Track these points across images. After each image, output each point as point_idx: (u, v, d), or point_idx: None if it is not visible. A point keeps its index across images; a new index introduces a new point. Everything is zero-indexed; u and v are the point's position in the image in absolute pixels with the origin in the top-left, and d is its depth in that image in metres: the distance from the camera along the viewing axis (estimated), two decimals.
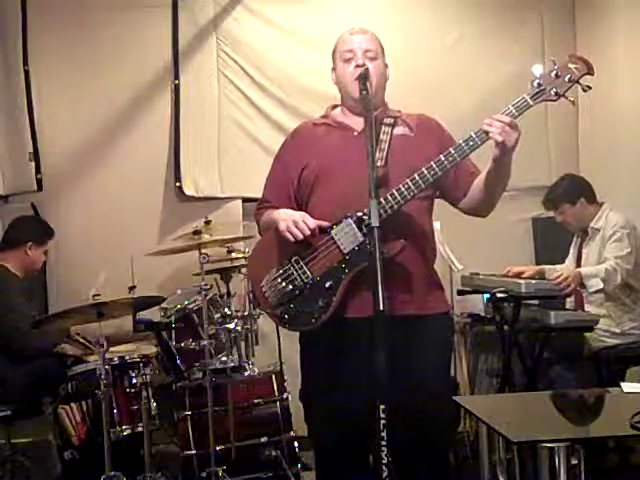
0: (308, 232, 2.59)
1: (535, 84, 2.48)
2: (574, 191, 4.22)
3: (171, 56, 4.81)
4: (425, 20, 5.08)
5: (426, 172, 2.53)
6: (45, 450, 3.85)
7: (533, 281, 3.87)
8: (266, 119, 4.91)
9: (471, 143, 2.51)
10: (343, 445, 2.71)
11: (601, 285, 3.91)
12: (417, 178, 2.53)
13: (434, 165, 2.53)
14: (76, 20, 4.71)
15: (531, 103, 2.47)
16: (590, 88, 2.47)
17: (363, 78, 2.60)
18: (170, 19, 4.78)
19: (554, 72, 2.47)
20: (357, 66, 2.68)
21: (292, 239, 2.61)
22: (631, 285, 4.06)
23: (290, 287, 2.65)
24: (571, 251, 4.39)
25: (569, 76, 2.46)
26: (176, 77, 4.80)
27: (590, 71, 2.46)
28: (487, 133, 2.48)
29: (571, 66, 2.46)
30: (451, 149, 2.52)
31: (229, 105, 4.89)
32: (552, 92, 2.47)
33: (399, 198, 2.54)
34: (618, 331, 4.04)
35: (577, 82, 2.47)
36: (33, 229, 4.18)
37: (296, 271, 2.65)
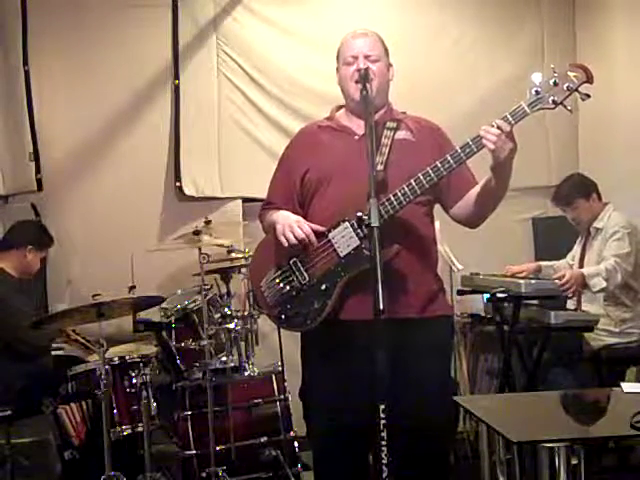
0: (302, 237, 2.61)
1: (533, 92, 2.45)
2: (586, 186, 4.23)
3: (171, 56, 4.81)
4: (425, 21, 5.08)
5: (422, 178, 2.53)
6: (45, 450, 3.85)
7: (533, 281, 3.88)
8: (266, 119, 4.91)
9: (467, 150, 2.50)
10: (341, 444, 2.71)
11: (604, 284, 3.90)
12: (413, 183, 2.53)
13: (430, 171, 2.52)
14: (76, 20, 4.71)
15: (528, 111, 2.45)
16: (589, 96, 2.44)
17: (363, 79, 2.61)
18: (170, 19, 4.79)
19: (552, 80, 2.44)
20: (357, 70, 2.68)
21: (286, 243, 2.63)
22: (630, 285, 4.06)
23: (287, 288, 2.68)
24: (575, 249, 4.38)
25: (567, 84, 2.43)
26: (176, 77, 4.81)
27: (589, 79, 2.43)
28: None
29: (570, 74, 2.44)
30: (447, 156, 2.52)
31: (229, 105, 4.89)
32: (550, 100, 2.44)
33: (395, 203, 2.54)
34: (617, 330, 4.04)
35: (576, 90, 2.44)
36: (36, 234, 4.17)
37: (294, 273, 2.68)
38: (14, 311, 3.88)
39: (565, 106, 2.46)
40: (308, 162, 2.77)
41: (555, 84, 2.44)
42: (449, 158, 2.51)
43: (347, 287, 2.61)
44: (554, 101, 2.44)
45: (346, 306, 2.62)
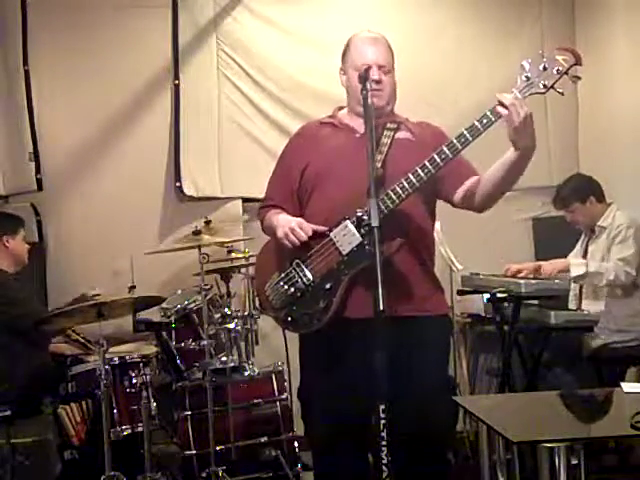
0: (305, 238, 2.61)
1: (523, 77, 2.46)
2: (584, 189, 4.23)
3: (171, 56, 4.80)
4: (425, 20, 5.08)
5: (420, 171, 2.53)
6: (45, 450, 3.85)
7: (533, 281, 3.87)
8: (266, 119, 4.91)
9: (463, 139, 2.49)
10: (340, 444, 2.71)
11: (583, 270, 3.93)
12: (411, 177, 2.53)
13: (427, 164, 2.52)
14: (76, 20, 4.71)
15: (520, 97, 2.46)
16: (579, 78, 2.45)
17: (363, 79, 2.61)
18: (170, 19, 4.78)
19: (542, 65, 2.45)
20: (373, 81, 2.63)
21: (290, 246, 2.64)
22: (635, 283, 4.06)
23: (292, 290, 2.68)
24: (577, 247, 4.39)
25: (557, 68, 2.44)
26: (176, 77, 4.80)
27: (578, 61, 2.44)
28: (482, 123, 2.45)
29: (559, 58, 2.45)
30: (443, 146, 2.51)
31: (229, 105, 4.89)
32: (540, 85, 2.45)
33: (394, 197, 2.54)
34: (617, 329, 4.04)
35: (565, 73, 2.44)
36: (1, 222, 4.17)
37: (297, 274, 2.68)
38: (15, 291, 3.91)
39: (556, 89, 2.46)
40: (308, 157, 2.77)
41: (544, 69, 2.45)
42: (445, 149, 2.51)
43: (351, 285, 2.61)
44: (545, 85, 2.46)
45: (349, 304, 2.62)
